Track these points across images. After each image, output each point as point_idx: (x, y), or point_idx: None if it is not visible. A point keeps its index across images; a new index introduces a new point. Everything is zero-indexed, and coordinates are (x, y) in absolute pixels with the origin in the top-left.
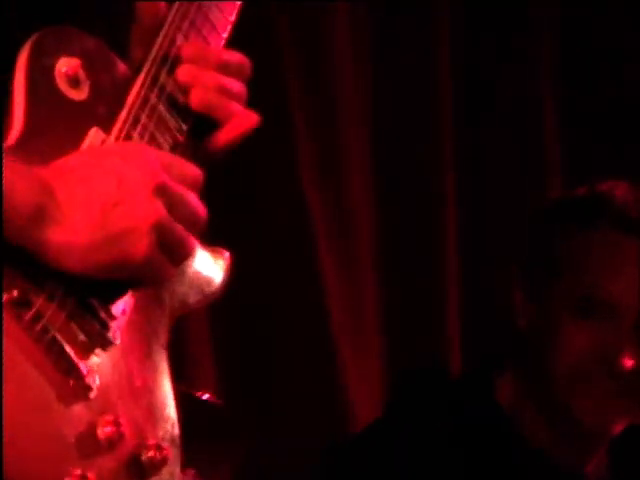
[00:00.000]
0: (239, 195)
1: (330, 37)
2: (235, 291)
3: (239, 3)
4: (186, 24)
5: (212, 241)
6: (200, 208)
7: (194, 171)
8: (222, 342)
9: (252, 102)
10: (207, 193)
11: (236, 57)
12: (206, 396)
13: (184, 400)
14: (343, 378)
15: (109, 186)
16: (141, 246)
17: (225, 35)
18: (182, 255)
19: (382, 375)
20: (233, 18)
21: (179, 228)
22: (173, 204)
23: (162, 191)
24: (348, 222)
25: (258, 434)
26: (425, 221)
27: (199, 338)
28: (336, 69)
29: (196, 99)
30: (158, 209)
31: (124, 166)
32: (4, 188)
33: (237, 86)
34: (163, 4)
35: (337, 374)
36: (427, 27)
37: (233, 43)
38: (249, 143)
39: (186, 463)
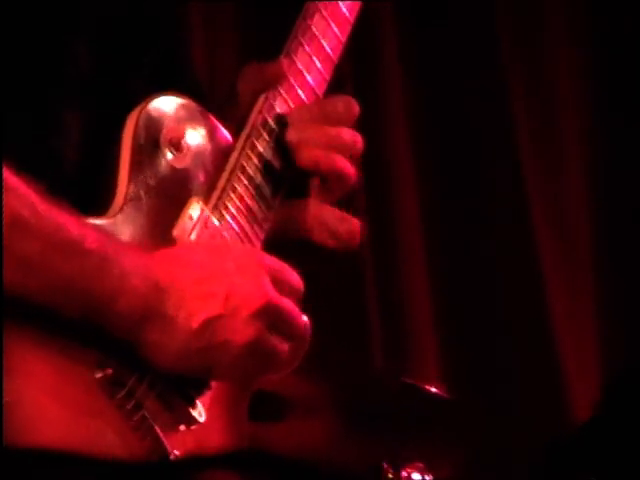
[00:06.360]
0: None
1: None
2: (458, 286)
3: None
4: (285, 85)
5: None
6: (298, 319)
7: (298, 282)
8: (446, 334)
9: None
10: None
11: (340, 103)
12: (434, 389)
13: (412, 392)
14: (561, 363)
15: (217, 298)
16: (228, 359)
17: (321, 92)
18: (270, 366)
19: (599, 359)
20: (329, 77)
21: (272, 343)
22: (274, 320)
23: (265, 311)
24: (567, 221)
25: (483, 429)
26: None
27: (423, 330)
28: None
29: (303, 158)
30: (256, 330)
31: (236, 278)
32: (116, 284)
33: (346, 134)
34: (275, 68)
35: (555, 359)
36: None
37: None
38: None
39: (413, 456)
